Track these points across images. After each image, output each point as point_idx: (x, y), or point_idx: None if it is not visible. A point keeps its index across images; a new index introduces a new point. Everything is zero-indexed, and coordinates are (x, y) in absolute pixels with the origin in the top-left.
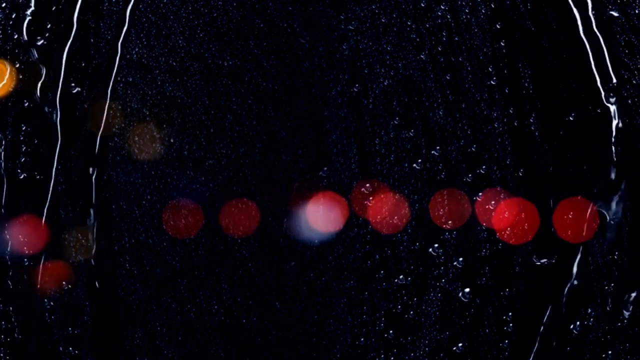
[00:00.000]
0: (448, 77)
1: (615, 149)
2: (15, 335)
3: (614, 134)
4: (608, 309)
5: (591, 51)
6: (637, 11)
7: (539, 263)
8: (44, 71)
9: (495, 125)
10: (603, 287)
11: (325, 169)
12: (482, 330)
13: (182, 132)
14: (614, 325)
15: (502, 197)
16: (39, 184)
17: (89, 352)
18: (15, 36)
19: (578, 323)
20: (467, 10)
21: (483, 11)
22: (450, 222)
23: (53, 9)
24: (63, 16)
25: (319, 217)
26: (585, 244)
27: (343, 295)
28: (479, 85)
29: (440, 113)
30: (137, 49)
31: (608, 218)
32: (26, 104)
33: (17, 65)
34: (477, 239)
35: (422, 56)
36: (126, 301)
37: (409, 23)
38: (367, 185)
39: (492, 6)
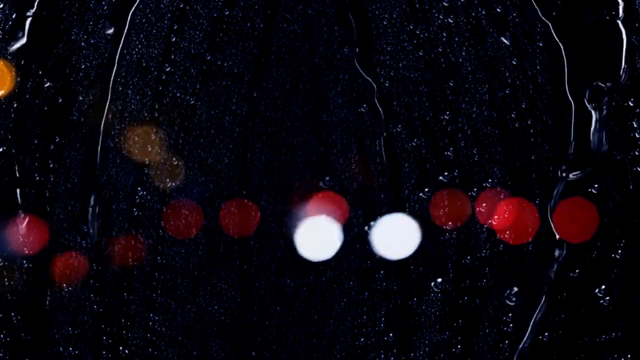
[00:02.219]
0: (448, 78)
1: (614, 149)
2: (15, 335)
3: (613, 134)
4: (607, 311)
5: (592, 51)
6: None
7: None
8: (43, 71)
9: (496, 126)
10: (603, 289)
11: (327, 178)
12: (482, 331)
13: (182, 132)
14: (614, 327)
15: (502, 197)
16: (39, 184)
17: (89, 352)
18: (15, 36)
19: (578, 326)
20: (467, 11)
21: (484, 12)
22: (450, 222)
23: (53, 9)
24: (63, 16)
25: (319, 218)
26: (585, 244)
27: (343, 295)
28: (479, 85)
29: (440, 113)
30: (137, 49)
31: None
32: (26, 105)
33: (18, 66)
34: (477, 239)
35: (422, 56)
36: (126, 301)
37: (409, 24)
38: (368, 185)
39: (492, 7)
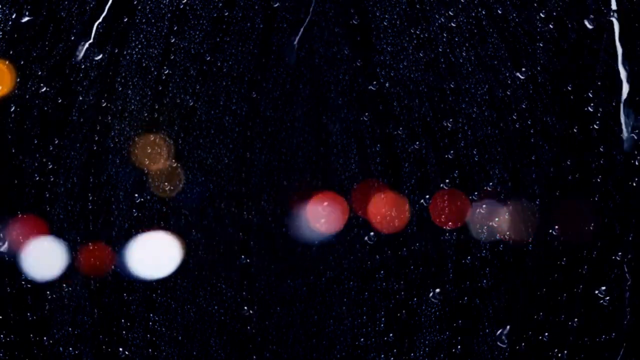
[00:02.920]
0: (448, 78)
1: (615, 149)
2: (15, 335)
3: (613, 134)
4: (607, 311)
5: (592, 51)
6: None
7: None
8: (43, 71)
9: (496, 126)
10: (603, 289)
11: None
12: (482, 331)
13: (182, 132)
14: (614, 327)
15: (502, 197)
16: (39, 184)
17: (89, 352)
18: (16, 36)
19: (578, 326)
20: (467, 12)
21: (484, 12)
22: (450, 222)
23: (53, 9)
24: (63, 16)
25: (319, 217)
26: (585, 244)
27: (343, 296)
28: (479, 85)
29: (440, 114)
30: (137, 49)
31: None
32: (26, 105)
33: (18, 66)
34: (477, 239)
35: (422, 57)
36: (126, 301)
37: (409, 25)
38: (367, 185)
39: (492, 8)
